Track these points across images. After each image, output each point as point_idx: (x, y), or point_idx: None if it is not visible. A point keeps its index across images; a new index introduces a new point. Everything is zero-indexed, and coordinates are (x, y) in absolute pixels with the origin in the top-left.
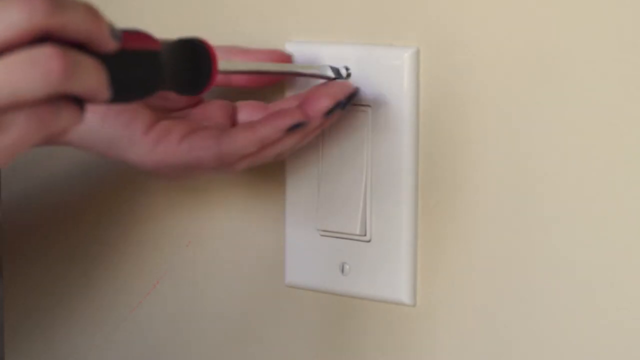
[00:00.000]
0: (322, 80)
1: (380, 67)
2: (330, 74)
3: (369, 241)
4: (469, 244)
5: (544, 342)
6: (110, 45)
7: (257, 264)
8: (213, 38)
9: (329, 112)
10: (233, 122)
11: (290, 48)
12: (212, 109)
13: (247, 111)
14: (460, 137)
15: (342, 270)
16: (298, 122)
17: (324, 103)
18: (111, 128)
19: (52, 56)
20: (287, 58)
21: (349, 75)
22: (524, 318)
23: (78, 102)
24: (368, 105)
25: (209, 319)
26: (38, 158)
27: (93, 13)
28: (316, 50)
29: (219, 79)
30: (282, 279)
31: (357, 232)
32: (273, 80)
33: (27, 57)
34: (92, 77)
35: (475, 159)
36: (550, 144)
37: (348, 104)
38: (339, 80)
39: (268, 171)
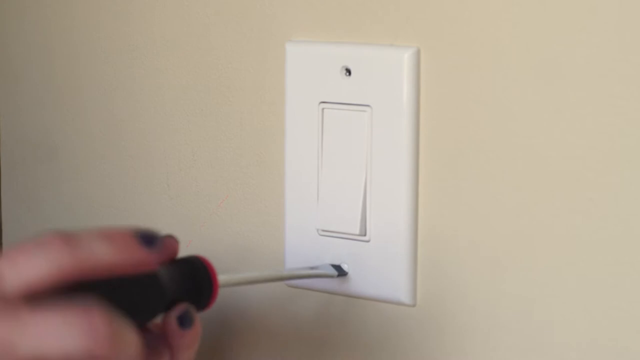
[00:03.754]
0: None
1: (381, 67)
2: (333, 272)
3: (368, 241)
4: (468, 244)
5: (544, 341)
6: (150, 258)
7: (257, 263)
8: (213, 38)
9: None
10: None
11: (290, 48)
12: None
13: None
14: (460, 137)
15: None
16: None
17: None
18: None
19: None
20: (175, 246)
21: (346, 272)
22: (524, 318)
23: None
24: (368, 105)
25: (209, 320)
26: (39, 157)
27: (111, 238)
28: (316, 50)
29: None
30: None
31: (357, 232)
32: None
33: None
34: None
35: (475, 158)
36: (550, 144)
37: (187, 322)
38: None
39: (267, 171)
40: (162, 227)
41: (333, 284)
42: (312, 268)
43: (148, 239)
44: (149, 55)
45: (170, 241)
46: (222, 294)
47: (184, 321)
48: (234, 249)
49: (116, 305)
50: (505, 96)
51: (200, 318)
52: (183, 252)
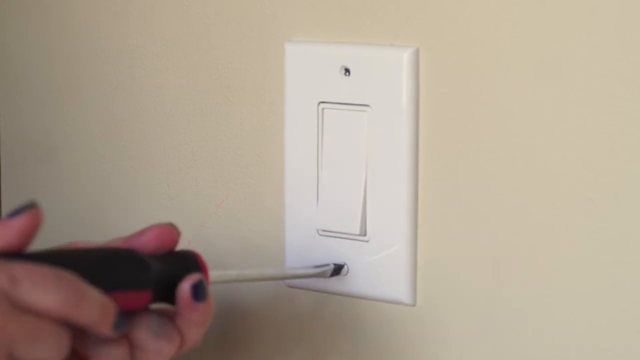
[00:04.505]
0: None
1: (380, 66)
2: (327, 272)
3: (368, 241)
4: (469, 244)
5: (544, 342)
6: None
7: (257, 264)
8: (213, 38)
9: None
10: None
11: (289, 48)
12: None
13: None
14: (460, 137)
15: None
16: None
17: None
18: None
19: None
20: (174, 234)
21: (347, 271)
22: (525, 318)
23: None
24: (367, 105)
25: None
26: (39, 157)
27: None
28: (316, 50)
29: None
30: None
31: (357, 232)
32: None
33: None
34: None
35: (475, 158)
36: (550, 144)
37: (200, 295)
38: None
39: (267, 171)
40: None
41: (333, 283)
42: (316, 267)
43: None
44: (149, 55)
45: (166, 228)
46: (221, 293)
47: (198, 292)
48: (234, 248)
49: (98, 284)
50: (505, 96)
51: None
52: None
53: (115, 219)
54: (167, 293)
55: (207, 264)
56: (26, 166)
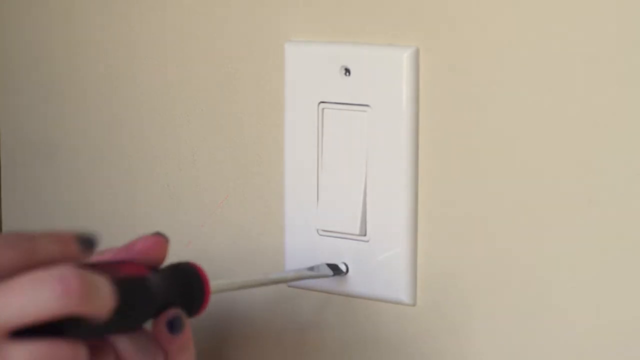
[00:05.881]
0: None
1: (380, 66)
2: (328, 273)
3: (368, 241)
4: (469, 244)
5: (544, 341)
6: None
7: (257, 264)
8: (213, 38)
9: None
10: None
11: (289, 48)
12: None
13: None
14: (460, 137)
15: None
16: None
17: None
18: None
19: None
20: (164, 245)
21: (347, 270)
22: (525, 317)
23: None
24: (367, 105)
25: (209, 320)
26: (39, 157)
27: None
28: (316, 50)
29: None
30: None
31: (357, 232)
32: None
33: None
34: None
35: (475, 158)
36: (551, 144)
37: (177, 328)
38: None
39: (267, 171)
40: (162, 227)
41: (333, 284)
42: (309, 268)
43: (86, 241)
44: (149, 55)
45: (156, 239)
46: (222, 294)
47: (174, 326)
48: (234, 249)
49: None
50: (505, 96)
51: (200, 317)
52: (183, 252)
53: (115, 219)
54: (167, 307)
55: (207, 274)
56: (26, 166)
